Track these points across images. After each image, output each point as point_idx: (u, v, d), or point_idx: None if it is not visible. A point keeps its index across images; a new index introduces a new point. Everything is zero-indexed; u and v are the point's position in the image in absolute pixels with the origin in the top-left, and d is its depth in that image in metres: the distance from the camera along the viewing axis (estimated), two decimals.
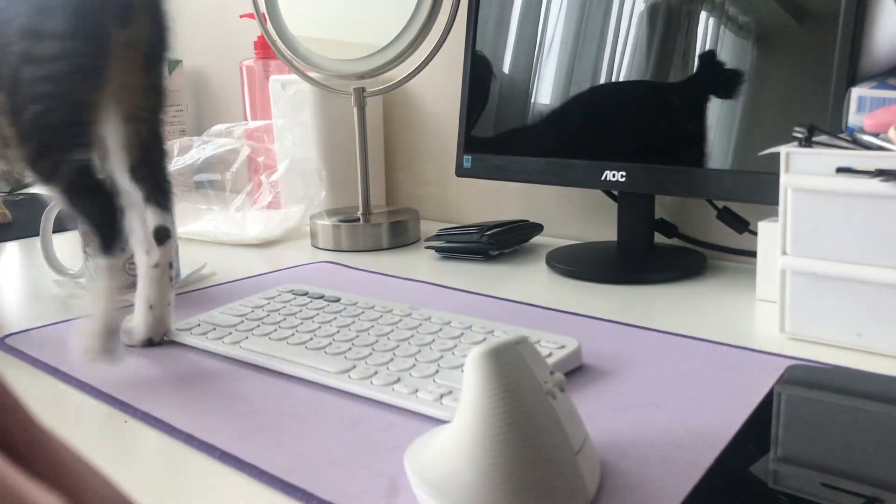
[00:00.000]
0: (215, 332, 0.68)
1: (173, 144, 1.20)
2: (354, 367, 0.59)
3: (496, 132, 0.97)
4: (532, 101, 0.94)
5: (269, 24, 1.07)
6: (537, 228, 1.02)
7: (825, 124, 0.69)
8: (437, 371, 0.58)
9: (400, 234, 1.06)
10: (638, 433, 0.50)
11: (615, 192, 0.97)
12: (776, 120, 0.76)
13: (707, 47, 0.80)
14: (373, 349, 0.62)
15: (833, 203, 0.62)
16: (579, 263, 0.89)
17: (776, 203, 0.65)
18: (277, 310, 0.73)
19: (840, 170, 0.61)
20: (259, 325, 0.69)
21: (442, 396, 0.54)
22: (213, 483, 0.47)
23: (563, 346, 0.60)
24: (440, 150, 1.21)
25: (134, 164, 0.66)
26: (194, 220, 1.15)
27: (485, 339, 0.63)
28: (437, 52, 1.02)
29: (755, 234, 0.84)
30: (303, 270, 0.94)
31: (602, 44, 0.87)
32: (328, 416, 0.54)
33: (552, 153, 0.92)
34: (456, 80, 1.11)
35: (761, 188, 0.75)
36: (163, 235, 0.67)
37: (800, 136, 0.63)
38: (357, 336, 0.65)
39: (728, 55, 0.79)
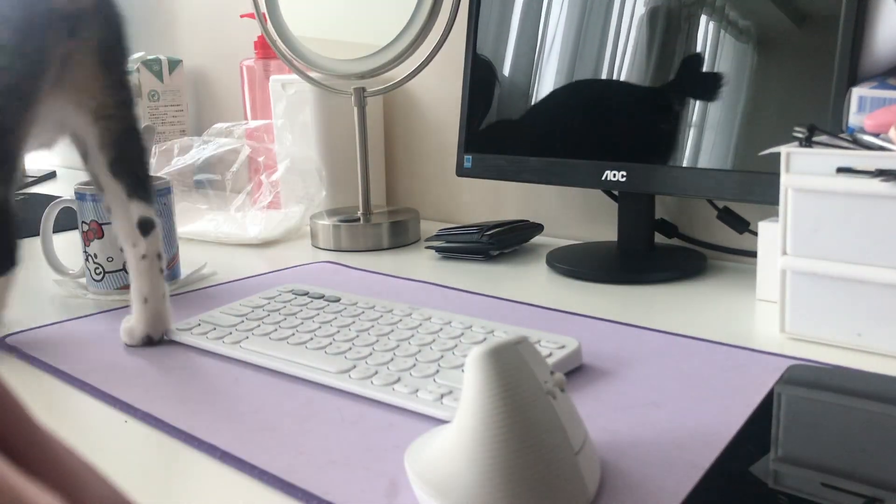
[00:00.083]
0: (215, 332, 0.68)
1: (173, 144, 1.20)
2: (355, 366, 0.59)
3: (496, 132, 0.97)
4: (532, 100, 0.94)
5: (269, 24, 1.07)
6: (537, 228, 1.02)
7: (825, 124, 0.69)
8: (438, 371, 0.58)
9: (400, 234, 1.06)
10: (638, 433, 0.50)
11: (615, 192, 0.97)
12: (776, 120, 0.76)
13: (707, 49, 0.80)
14: (373, 349, 0.62)
15: (833, 203, 0.62)
16: (579, 263, 0.89)
17: (776, 203, 0.65)
18: (277, 310, 0.73)
19: (840, 170, 0.61)
20: (259, 325, 0.69)
21: (442, 396, 0.54)
22: (213, 483, 0.47)
23: (563, 346, 0.60)
24: (440, 150, 1.21)
25: (111, 161, 0.67)
26: (194, 220, 1.15)
27: (485, 339, 0.63)
28: (437, 52, 1.02)
29: (755, 234, 0.84)
30: (303, 270, 0.94)
31: (603, 44, 0.87)
32: (328, 416, 0.54)
33: (552, 153, 0.92)
34: (456, 80, 1.11)
35: (761, 188, 0.75)
36: (147, 226, 0.68)
37: (800, 136, 0.63)
38: (357, 336, 0.65)
39: (728, 56, 0.78)
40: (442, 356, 0.60)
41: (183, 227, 1.10)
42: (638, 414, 0.53)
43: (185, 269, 0.91)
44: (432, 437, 0.45)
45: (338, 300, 0.75)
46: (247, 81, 1.33)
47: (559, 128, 0.91)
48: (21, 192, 1.56)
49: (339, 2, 1.06)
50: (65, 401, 0.59)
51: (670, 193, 0.84)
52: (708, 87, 0.80)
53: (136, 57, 1.49)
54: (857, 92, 0.68)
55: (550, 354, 0.59)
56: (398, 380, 0.57)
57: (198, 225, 1.13)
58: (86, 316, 0.78)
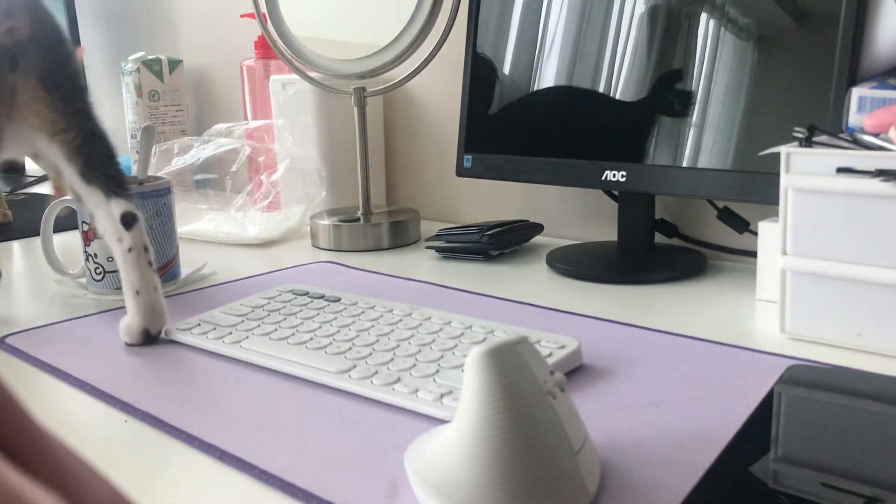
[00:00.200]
0: (215, 332, 0.68)
1: (173, 144, 1.20)
2: (355, 366, 0.59)
3: (496, 132, 0.97)
4: (532, 100, 0.94)
5: (269, 24, 1.07)
6: (537, 228, 1.02)
7: (825, 124, 0.69)
8: (438, 371, 0.58)
9: (400, 234, 1.06)
10: (638, 433, 0.50)
11: (615, 192, 0.97)
12: (776, 120, 0.76)
13: (708, 48, 0.80)
14: (373, 349, 0.62)
15: (833, 203, 0.62)
16: (579, 263, 0.89)
17: (776, 203, 0.65)
18: (278, 310, 0.73)
19: (840, 170, 0.61)
20: (259, 325, 0.69)
21: (442, 396, 0.54)
22: (213, 483, 0.47)
23: (563, 346, 0.60)
24: (440, 150, 1.21)
25: (81, 170, 0.68)
26: (194, 220, 1.15)
27: (485, 339, 0.63)
28: (438, 52, 1.02)
29: (755, 234, 0.84)
30: (303, 270, 0.94)
31: (603, 44, 0.87)
32: (328, 416, 0.54)
33: (552, 153, 0.92)
34: (456, 80, 1.11)
35: (761, 188, 0.75)
36: (130, 220, 0.68)
37: (800, 136, 0.63)
38: (357, 336, 0.65)
39: (728, 55, 0.78)
40: (442, 356, 0.60)
41: (183, 227, 1.10)
42: (638, 414, 0.53)
43: (185, 269, 0.91)
44: (432, 437, 0.45)
45: (338, 300, 0.75)
46: (247, 81, 1.33)
47: (559, 127, 0.91)
48: (21, 192, 1.56)
49: (340, 2, 1.06)
50: (65, 401, 0.59)
51: (670, 193, 0.84)
52: (707, 86, 0.80)
53: (136, 57, 1.49)
54: (857, 92, 0.68)
55: (550, 354, 0.59)
56: (398, 380, 0.57)
57: (198, 225, 1.13)
58: (86, 316, 0.78)
